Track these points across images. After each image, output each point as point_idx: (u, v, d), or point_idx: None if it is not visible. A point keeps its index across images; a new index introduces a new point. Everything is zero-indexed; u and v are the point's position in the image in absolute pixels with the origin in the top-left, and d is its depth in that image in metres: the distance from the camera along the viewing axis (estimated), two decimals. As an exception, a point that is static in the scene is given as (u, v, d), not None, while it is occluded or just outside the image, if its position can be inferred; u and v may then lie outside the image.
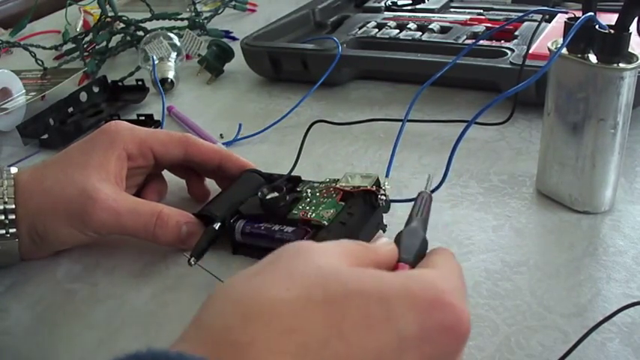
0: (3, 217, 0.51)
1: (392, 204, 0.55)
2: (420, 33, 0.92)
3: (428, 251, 0.40)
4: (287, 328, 0.27)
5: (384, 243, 0.37)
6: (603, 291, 0.49)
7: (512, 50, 0.80)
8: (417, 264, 0.38)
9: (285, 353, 0.27)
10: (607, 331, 0.45)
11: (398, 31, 0.93)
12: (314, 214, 0.52)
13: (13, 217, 0.52)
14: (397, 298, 0.30)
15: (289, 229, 0.52)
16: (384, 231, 0.54)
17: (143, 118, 0.81)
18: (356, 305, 0.29)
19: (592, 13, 0.50)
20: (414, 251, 0.38)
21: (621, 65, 0.51)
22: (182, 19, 1.12)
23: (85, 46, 1.07)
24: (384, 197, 0.54)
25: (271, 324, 0.27)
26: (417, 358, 0.29)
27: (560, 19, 0.84)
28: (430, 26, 0.93)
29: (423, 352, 0.29)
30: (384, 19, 0.99)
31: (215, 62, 0.95)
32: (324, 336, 0.28)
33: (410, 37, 0.90)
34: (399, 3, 1.06)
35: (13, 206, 0.52)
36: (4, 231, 0.52)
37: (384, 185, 0.55)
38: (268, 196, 0.54)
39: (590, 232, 0.55)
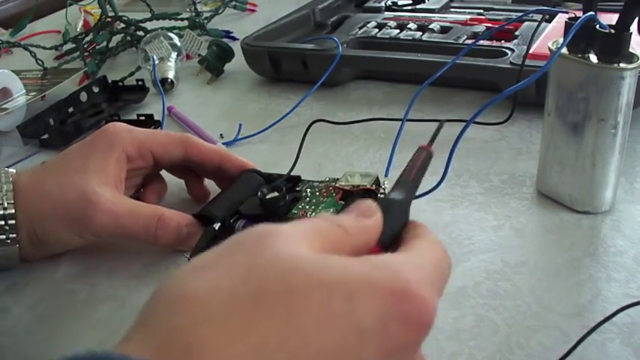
0: (3, 222, 0.51)
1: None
2: (421, 33, 0.92)
3: (410, 221, 0.37)
4: (242, 329, 0.25)
5: (361, 222, 0.33)
6: (603, 291, 0.49)
7: (513, 50, 0.80)
8: (393, 242, 0.35)
9: (240, 356, 0.25)
10: (607, 332, 0.45)
11: (398, 31, 0.93)
12: (314, 214, 0.52)
13: (13, 222, 0.51)
14: (360, 290, 0.27)
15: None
16: (384, 231, 0.54)
17: (143, 118, 0.81)
18: (318, 301, 0.27)
19: (592, 13, 0.50)
20: (389, 232, 0.35)
21: (622, 65, 0.51)
22: (182, 19, 1.12)
23: (86, 46, 1.07)
24: (383, 197, 0.54)
25: (225, 325, 0.25)
26: (377, 353, 0.28)
27: (560, 19, 0.83)
28: (430, 26, 0.93)
29: (383, 346, 0.28)
30: (385, 19, 0.99)
31: (215, 62, 0.95)
32: (283, 335, 0.26)
33: (410, 37, 0.90)
34: (400, 3, 1.06)
35: (13, 211, 0.51)
36: (4, 236, 0.52)
37: (383, 184, 0.55)
38: (268, 196, 0.54)
39: (590, 232, 0.55)
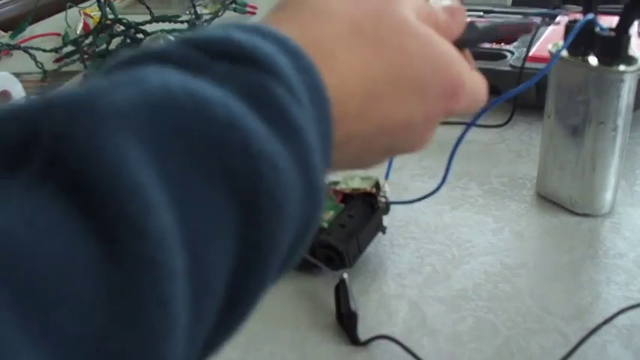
0: None
1: (391, 206, 0.55)
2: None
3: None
4: (364, 57, 0.28)
5: (450, 19, 0.35)
6: (603, 293, 0.49)
7: (512, 53, 0.80)
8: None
9: (357, 74, 0.28)
10: (607, 334, 0.45)
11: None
12: (314, 217, 0.52)
13: None
14: (443, 62, 0.31)
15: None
16: (384, 233, 0.54)
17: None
18: (420, 59, 0.30)
19: (592, 16, 0.50)
20: (459, 42, 0.36)
21: (621, 68, 0.51)
22: (182, 22, 1.12)
23: (85, 48, 1.07)
24: (383, 199, 0.54)
25: (353, 48, 0.28)
26: (435, 100, 0.31)
27: (560, 22, 0.84)
28: (430, 29, 0.93)
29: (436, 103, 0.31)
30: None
31: (215, 65, 0.95)
32: (390, 67, 0.29)
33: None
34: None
35: None
36: None
37: (383, 187, 0.54)
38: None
39: (590, 234, 0.55)
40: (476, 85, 0.34)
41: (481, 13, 1.00)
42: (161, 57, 0.21)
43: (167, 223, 0.18)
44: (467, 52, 0.38)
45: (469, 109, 0.35)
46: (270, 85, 0.22)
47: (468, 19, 0.37)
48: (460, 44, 0.35)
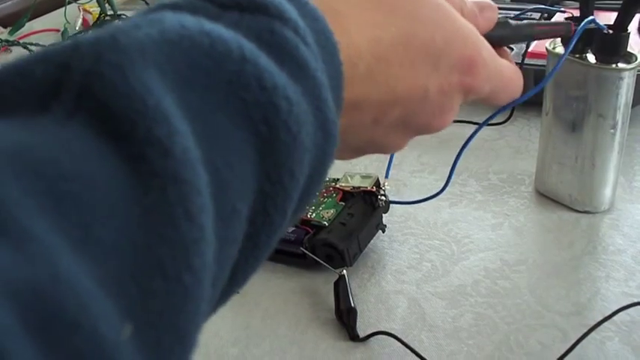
0: None
1: (391, 204, 0.55)
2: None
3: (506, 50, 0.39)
4: (376, 18, 0.29)
5: (479, 14, 0.36)
6: (602, 290, 0.49)
7: (512, 49, 0.80)
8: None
9: (368, 35, 0.28)
10: (606, 330, 0.45)
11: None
12: (314, 214, 0.52)
13: None
14: (458, 37, 0.31)
15: (289, 228, 0.52)
16: (384, 231, 0.54)
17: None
18: (432, 29, 0.30)
19: (593, 17, 0.50)
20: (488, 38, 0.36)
21: (620, 65, 0.51)
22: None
23: (84, 44, 1.07)
24: (383, 198, 0.54)
25: (365, 9, 0.29)
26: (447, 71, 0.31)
27: (558, 18, 0.83)
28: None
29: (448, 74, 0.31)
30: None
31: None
32: (399, 33, 0.29)
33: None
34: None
35: None
36: None
37: (383, 186, 0.55)
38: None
39: (589, 230, 0.55)
40: (503, 70, 0.34)
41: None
42: (174, 7, 0.23)
43: (190, 146, 0.19)
44: (504, 49, 0.37)
45: (495, 95, 0.34)
46: (279, 29, 0.23)
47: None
48: (491, 41, 0.34)
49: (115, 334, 0.16)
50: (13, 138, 0.17)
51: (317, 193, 0.27)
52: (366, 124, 0.30)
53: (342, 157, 0.32)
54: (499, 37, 0.37)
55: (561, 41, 0.55)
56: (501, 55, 0.36)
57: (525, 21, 0.41)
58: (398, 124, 0.31)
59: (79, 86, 0.18)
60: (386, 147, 0.33)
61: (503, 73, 0.34)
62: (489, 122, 0.49)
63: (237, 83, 0.21)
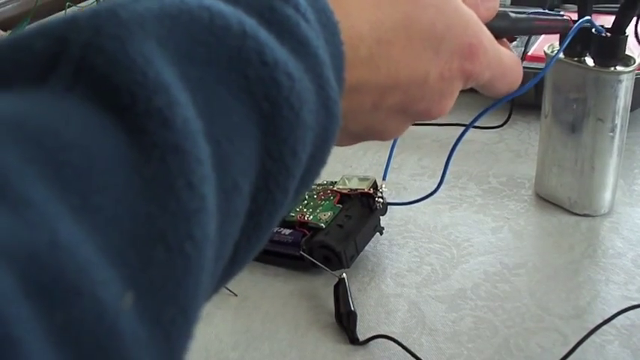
0: None
1: (389, 207, 0.55)
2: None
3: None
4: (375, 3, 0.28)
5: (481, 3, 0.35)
6: (602, 293, 0.49)
7: (515, 39, 0.80)
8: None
9: (367, 17, 0.28)
10: (606, 334, 0.45)
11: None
12: (311, 217, 0.52)
13: None
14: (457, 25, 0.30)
15: (287, 231, 0.52)
16: (381, 233, 0.54)
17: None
18: (433, 12, 0.29)
19: (589, 18, 0.50)
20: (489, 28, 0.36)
21: (618, 68, 0.51)
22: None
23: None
24: (381, 200, 0.54)
25: None
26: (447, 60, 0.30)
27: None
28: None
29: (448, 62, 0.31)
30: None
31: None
32: (398, 18, 0.29)
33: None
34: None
35: None
36: None
37: (381, 188, 0.55)
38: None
39: (589, 234, 0.55)
40: (503, 58, 0.34)
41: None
42: None
43: (191, 118, 0.19)
44: (504, 40, 0.37)
45: (495, 83, 0.34)
46: (279, 6, 0.23)
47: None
48: (491, 31, 0.34)
49: (115, 301, 0.16)
50: (13, 109, 0.17)
51: (319, 174, 0.26)
52: (366, 108, 0.29)
53: (340, 143, 0.32)
54: (499, 28, 0.37)
55: (559, 43, 0.55)
56: (501, 45, 0.36)
57: (525, 14, 0.41)
58: (397, 110, 0.31)
59: (77, 59, 0.18)
60: (384, 132, 0.32)
61: (503, 61, 0.34)
62: (489, 126, 0.50)
63: (237, 58, 0.21)
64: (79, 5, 1.24)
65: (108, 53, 0.18)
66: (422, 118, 0.32)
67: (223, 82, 0.21)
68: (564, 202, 0.58)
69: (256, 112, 0.21)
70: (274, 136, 0.22)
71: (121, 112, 0.18)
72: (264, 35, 0.22)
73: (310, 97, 0.23)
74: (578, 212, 0.57)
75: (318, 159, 0.25)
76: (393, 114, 0.31)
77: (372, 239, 0.54)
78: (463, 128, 0.44)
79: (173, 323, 0.18)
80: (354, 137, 0.33)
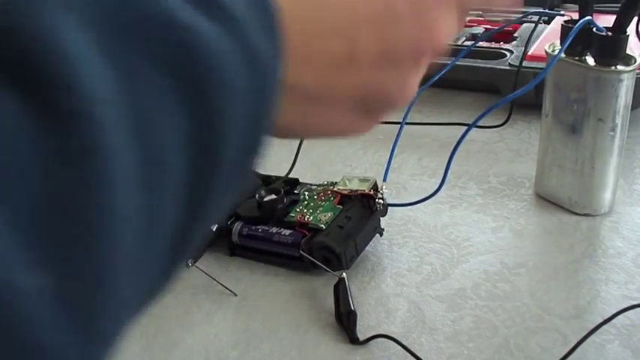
0: None
1: (389, 208, 0.55)
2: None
3: None
4: None
5: None
6: (602, 293, 0.49)
7: (512, 52, 0.80)
8: None
9: None
10: (606, 333, 0.45)
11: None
12: (311, 217, 0.52)
13: None
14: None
15: (287, 232, 0.52)
16: (382, 235, 0.54)
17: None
18: None
19: (590, 17, 0.50)
20: None
21: (619, 68, 0.51)
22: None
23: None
24: (381, 201, 0.54)
25: None
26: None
27: (559, 21, 0.84)
28: (429, 28, 0.93)
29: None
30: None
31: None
32: None
33: (409, 39, 0.90)
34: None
35: None
36: None
37: (381, 189, 0.54)
38: (266, 199, 0.54)
39: (589, 233, 0.55)
40: None
41: (480, 12, 1.00)
42: None
43: (103, 86, 0.18)
44: None
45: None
46: None
47: None
48: None
49: (26, 284, 0.16)
50: None
51: (266, 143, 0.25)
52: (339, 59, 0.26)
53: (352, 129, 0.29)
54: None
55: (560, 42, 0.55)
56: None
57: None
58: (382, 57, 0.27)
59: None
60: (388, 91, 0.28)
61: None
62: (489, 125, 0.50)
63: (146, 24, 0.20)
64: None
65: (10, 23, 0.18)
66: (418, 57, 0.28)
67: (138, 49, 0.20)
68: (564, 201, 0.58)
69: (173, 77, 0.21)
70: (197, 100, 0.21)
71: (21, 81, 0.17)
72: (171, 1, 0.21)
73: (232, 58, 0.22)
74: (578, 212, 0.57)
75: (258, 125, 0.24)
76: (383, 64, 0.27)
77: (372, 239, 0.54)
78: (463, 128, 0.44)
79: (100, 306, 0.18)
80: (358, 109, 0.28)
